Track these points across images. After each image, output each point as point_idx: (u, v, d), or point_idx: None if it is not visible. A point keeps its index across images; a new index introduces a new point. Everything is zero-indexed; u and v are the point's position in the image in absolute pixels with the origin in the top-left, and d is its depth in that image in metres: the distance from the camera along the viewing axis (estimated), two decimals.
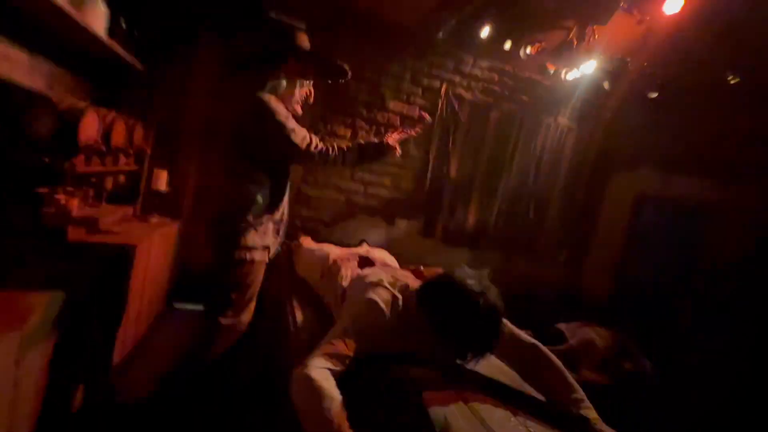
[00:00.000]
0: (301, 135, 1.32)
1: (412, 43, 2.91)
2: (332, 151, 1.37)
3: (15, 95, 1.45)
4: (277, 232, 1.45)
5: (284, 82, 1.39)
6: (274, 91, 1.36)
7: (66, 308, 1.20)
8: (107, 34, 1.70)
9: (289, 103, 1.42)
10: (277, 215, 1.41)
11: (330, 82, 1.63)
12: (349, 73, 1.55)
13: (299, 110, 1.49)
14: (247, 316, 1.41)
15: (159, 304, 2.25)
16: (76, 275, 1.34)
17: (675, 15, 2.65)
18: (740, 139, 2.76)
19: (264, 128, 1.28)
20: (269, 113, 1.28)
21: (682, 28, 2.74)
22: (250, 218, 1.31)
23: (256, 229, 1.32)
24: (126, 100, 2.05)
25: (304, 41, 1.45)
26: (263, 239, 1.35)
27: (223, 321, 1.34)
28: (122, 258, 1.53)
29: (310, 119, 2.69)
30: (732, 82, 2.60)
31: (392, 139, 1.51)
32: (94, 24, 1.61)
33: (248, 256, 1.32)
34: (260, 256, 1.36)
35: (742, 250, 2.60)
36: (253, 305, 1.43)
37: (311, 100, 1.53)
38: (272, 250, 1.44)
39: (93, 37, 1.59)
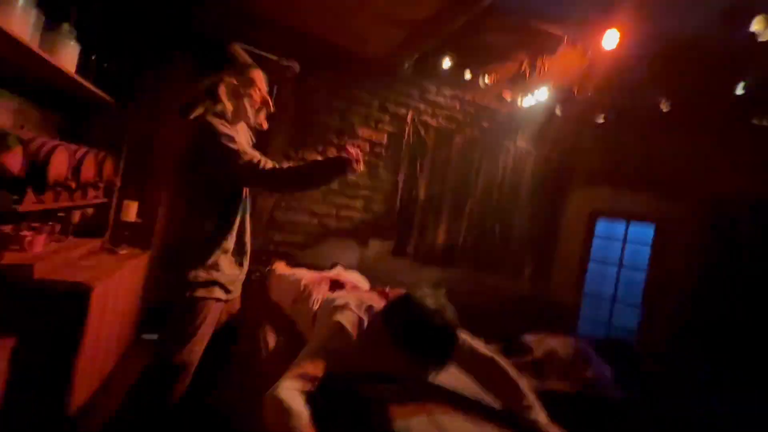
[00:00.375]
0: (249, 155, 1.22)
1: (379, 74, 3.08)
2: (283, 168, 1.24)
3: None
4: (239, 263, 1.35)
5: (228, 102, 1.31)
6: (223, 114, 1.29)
7: (18, 353, 1.18)
8: (78, 70, 1.75)
9: (248, 119, 1.37)
10: (228, 244, 1.30)
11: (282, 80, 1.52)
12: (297, 67, 1.48)
13: (263, 123, 1.41)
14: (193, 355, 1.27)
15: (127, 335, 2.21)
16: (31, 318, 1.31)
17: (614, 49, 2.96)
18: (676, 159, 3.07)
19: (208, 151, 1.22)
20: (212, 135, 1.21)
21: (621, 61, 3.07)
22: (195, 251, 1.24)
23: (201, 263, 1.24)
24: (96, 133, 2.07)
25: (242, 55, 1.39)
26: (209, 274, 1.25)
27: (167, 358, 1.25)
28: (78, 299, 1.48)
29: (281, 146, 2.78)
30: (665, 109, 2.91)
31: (351, 151, 1.30)
32: (65, 62, 1.66)
33: (190, 292, 1.23)
34: (205, 293, 1.25)
35: (682, 259, 2.85)
36: (200, 344, 1.28)
37: (271, 108, 1.43)
38: (230, 284, 1.32)
39: (64, 75, 1.63)
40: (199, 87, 1.32)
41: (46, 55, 1.47)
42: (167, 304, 1.27)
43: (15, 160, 1.34)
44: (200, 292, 1.24)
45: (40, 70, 1.58)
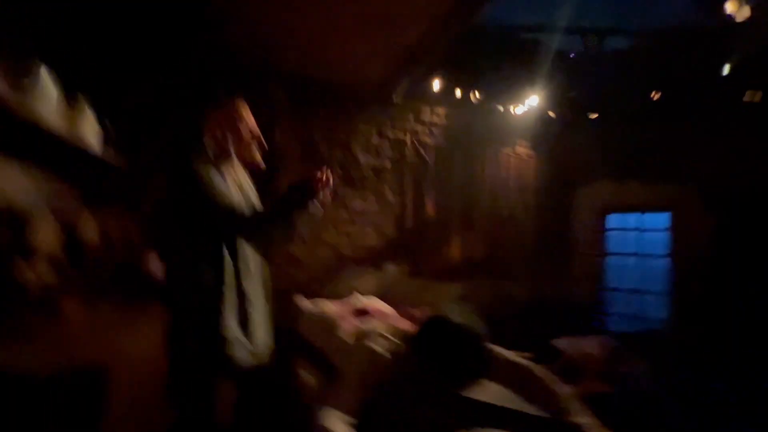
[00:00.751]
0: (227, 203, 1.13)
1: (374, 103, 3.19)
2: (255, 214, 1.17)
3: (14, 214, 1.56)
4: (244, 323, 1.19)
5: (211, 140, 1.21)
6: (206, 155, 1.19)
7: None
8: (101, 142, 1.86)
9: (237, 157, 1.27)
10: (229, 296, 1.16)
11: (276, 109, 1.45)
12: (282, 94, 1.42)
13: (257, 161, 1.31)
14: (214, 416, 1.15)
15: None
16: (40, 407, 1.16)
17: (597, 51, 3.06)
18: (674, 146, 3.10)
19: (186, 198, 1.14)
20: (190, 180, 1.12)
21: (608, 57, 3.15)
22: (196, 309, 1.14)
23: (209, 324, 1.13)
24: (113, 192, 2.15)
25: (222, 87, 1.31)
26: (222, 335, 1.14)
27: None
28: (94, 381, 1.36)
29: (284, 181, 2.87)
30: (655, 98, 2.97)
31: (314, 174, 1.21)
32: (86, 134, 1.76)
33: (203, 359, 1.13)
34: (220, 361, 1.13)
35: (703, 244, 2.82)
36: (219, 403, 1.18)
37: (264, 144, 1.32)
38: (245, 343, 1.18)
39: (91, 152, 1.74)
40: (176, 126, 1.29)
41: (74, 138, 1.58)
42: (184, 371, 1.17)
43: (48, 237, 1.43)
44: (215, 359, 1.13)
45: (65, 149, 1.70)
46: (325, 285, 2.94)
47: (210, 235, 1.16)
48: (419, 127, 3.32)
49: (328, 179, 1.21)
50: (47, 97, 1.51)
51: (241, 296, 1.20)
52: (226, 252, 1.17)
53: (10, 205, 1.51)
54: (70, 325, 1.62)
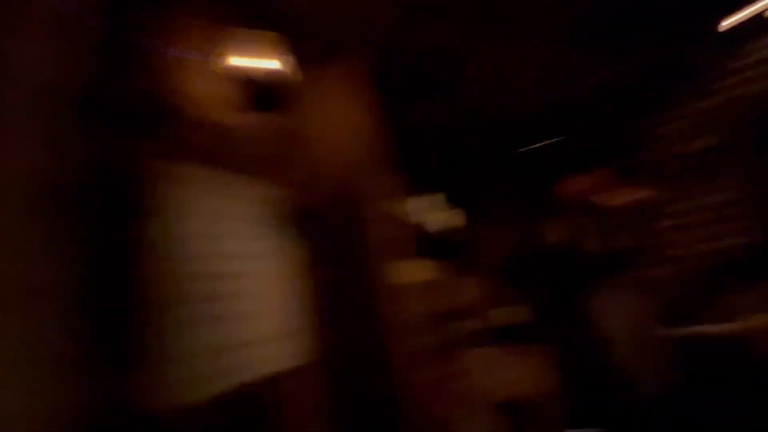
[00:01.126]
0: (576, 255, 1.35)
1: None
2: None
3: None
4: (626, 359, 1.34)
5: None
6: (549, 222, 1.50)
7: None
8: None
9: (590, 210, 1.48)
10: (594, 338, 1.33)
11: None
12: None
13: (605, 209, 1.52)
14: None
15: None
16: None
17: None
18: None
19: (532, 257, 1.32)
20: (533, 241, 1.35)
21: None
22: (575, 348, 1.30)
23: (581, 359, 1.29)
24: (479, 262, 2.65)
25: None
26: None
27: None
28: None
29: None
30: None
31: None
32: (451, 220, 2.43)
33: None
34: None
35: None
36: None
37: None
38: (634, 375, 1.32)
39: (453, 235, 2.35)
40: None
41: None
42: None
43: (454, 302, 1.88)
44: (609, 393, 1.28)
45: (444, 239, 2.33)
46: (706, 305, 2.36)
47: (562, 284, 1.31)
48: (748, 72, 2.46)
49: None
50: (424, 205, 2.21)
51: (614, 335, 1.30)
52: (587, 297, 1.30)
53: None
54: (482, 366, 2.01)
